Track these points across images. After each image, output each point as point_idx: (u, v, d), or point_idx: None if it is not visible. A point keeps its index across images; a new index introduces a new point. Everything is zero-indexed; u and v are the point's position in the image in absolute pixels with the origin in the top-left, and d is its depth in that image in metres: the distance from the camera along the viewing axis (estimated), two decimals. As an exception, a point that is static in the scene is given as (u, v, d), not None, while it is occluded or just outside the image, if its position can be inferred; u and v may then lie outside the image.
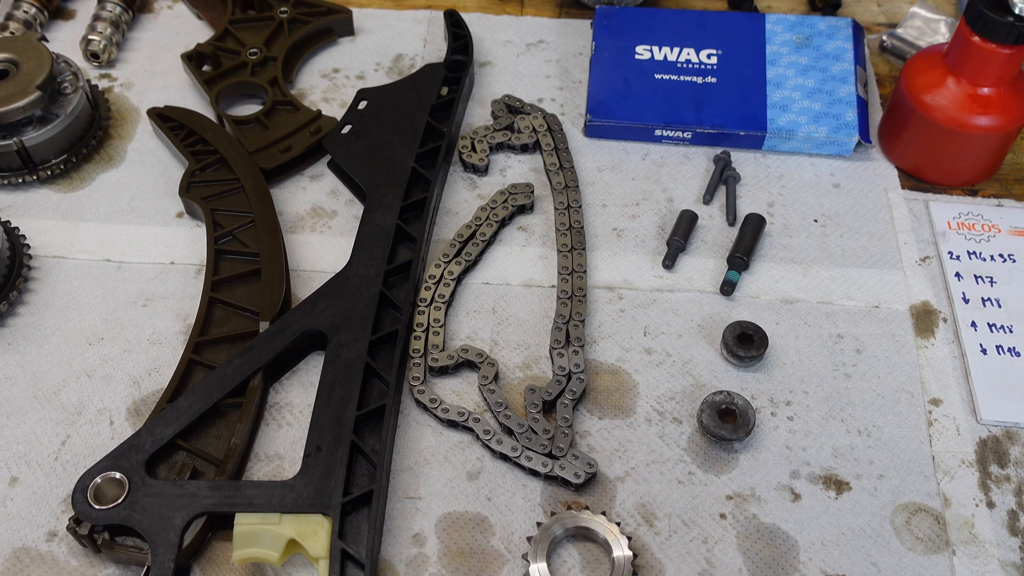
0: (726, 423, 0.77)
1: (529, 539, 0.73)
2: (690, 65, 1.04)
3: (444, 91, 1.03)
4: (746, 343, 0.82)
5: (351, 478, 0.74)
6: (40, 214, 0.97)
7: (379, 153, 0.96)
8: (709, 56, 1.04)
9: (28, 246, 0.92)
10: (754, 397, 0.81)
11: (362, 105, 1.02)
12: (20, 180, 0.98)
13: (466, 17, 1.13)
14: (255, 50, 1.08)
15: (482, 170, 0.99)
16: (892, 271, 0.90)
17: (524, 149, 1.01)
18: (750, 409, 0.78)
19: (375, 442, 0.76)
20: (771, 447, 0.78)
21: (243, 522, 0.71)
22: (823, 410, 0.80)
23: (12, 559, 0.73)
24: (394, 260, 0.88)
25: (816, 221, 0.95)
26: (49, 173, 0.99)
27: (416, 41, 1.14)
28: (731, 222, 0.93)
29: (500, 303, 0.89)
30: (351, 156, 0.97)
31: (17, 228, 0.93)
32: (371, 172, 0.95)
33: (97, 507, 0.72)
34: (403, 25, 1.16)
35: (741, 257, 0.89)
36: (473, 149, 1.00)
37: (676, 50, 1.05)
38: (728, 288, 0.87)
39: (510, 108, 1.05)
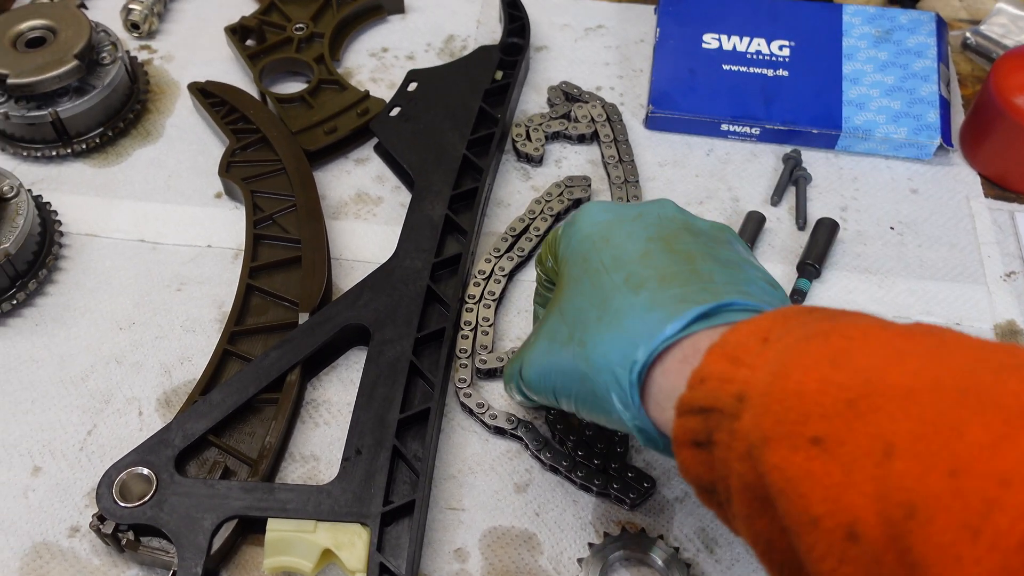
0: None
1: (580, 561, 0.68)
2: (760, 56, 0.98)
3: (499, 75, 0.98)
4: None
5: (391, 485, 0.69)
6: (73, 189, 0.93)
7: (429, 138, 0.91)
8: (781, 48, 0.98)
9: (59, 223, 0.88)
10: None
11: (412, 87, 0.97)
12: (54, 153, 0.94)
13: (522, -1, 1.07)
14: (301, 25, 1.03)
15: (537, 160, 0.94)
16: (975, 286, 0.84)
17: (581, 139, 0.96)
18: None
19: (418, 447, 0.71)
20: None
21: (276, 528, 0.67)
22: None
23: (32, 554, 0.70)
24: (442, 253, 0.83)
25: (892, 228, 0.88)
26: (84, 147, 0.94)
27: (469, 22, 1.08)
28: (801, 226, 0.88)
29: (553, 303, 0.83)
30: (399, 140, 0.92)
31: (49, 203, 0.89)
32: (420, 158, 0.90)
33: (123, 504, 0.68)
34: (456, 4, 1.10)
35: (813, 265, 0.83)
36: (528, 138, 0.95)
37: (746, 40, 0.99)
38: (798, 297, 0.82)
39: (567, 96, 0.99)
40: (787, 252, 0.86)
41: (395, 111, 0.94)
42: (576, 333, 0.57)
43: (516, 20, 1.03)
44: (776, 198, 0.90)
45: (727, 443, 0.46)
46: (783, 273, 0.85)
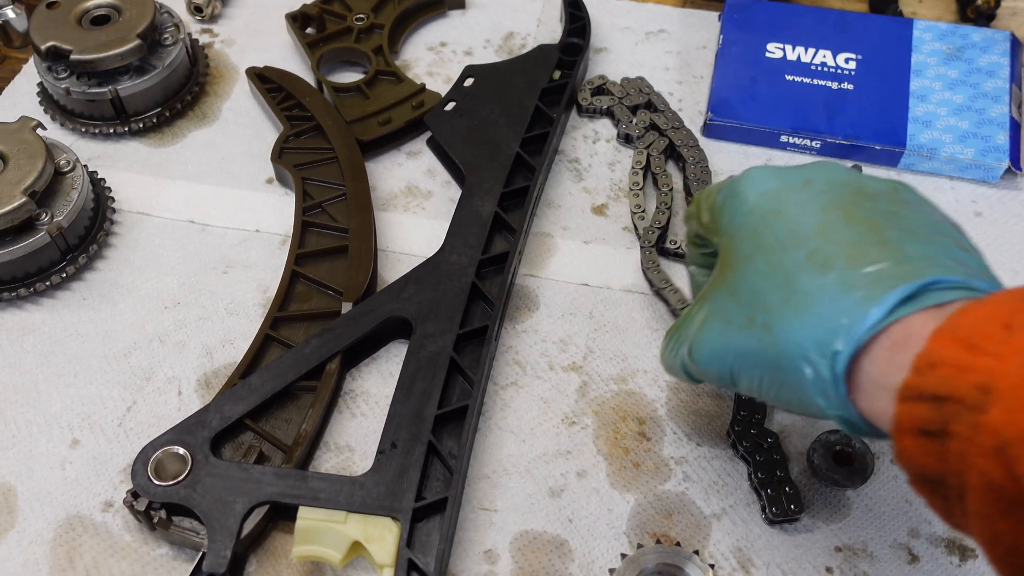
0: (840, 467, 0.70)
1: (611, 571, 0.66)
2: (825, 68, 0.95)
3: (557, 75, 0.97)
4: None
5: (425, 481, 0.68)
6: (128, 167, 0.93)
7: (482, 134, 0.90)
8: (847, 60, 0.96)
9: (112, 199, 0.89)
10: (873, 440, 0.73)
11: (468, 82, 0.96)
12: (111, 130, 0.95)
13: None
14: (362, 16, 1.03)
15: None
16: (1037, 315, 0.81)
17: (628, 139, 0.94)
18: (868, 453, 0.70)
19: (454, 445, 0.70)
20: (889, 499, 0.70)
21: (307, 516, 0.66)
22: (951, 463, 0.72)
23: (66, 526, 0.70)
24: (489, 250, 0.82)
25: (953, 251, 0.85)
26: (141, 126, 0.95)
27: (529, 20, 1.08)
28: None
29: (598, 308, 0.82)
30: (453, 135, 0.91)
31: (103, 180, 0.90)
32: (472, 154, 0.89)
33: (157, 483, 0.68)
34: (517, 2, 1.10)
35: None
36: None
37: (811, 51, 0.97)
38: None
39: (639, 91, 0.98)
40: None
41: (450, 105, 0.94)
42: (758, 316, 0.54)
43: (577, 20, 1.02)
44: (834, 214, 0.87)
45: (968, 437, 0.42)
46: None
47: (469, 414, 0.71)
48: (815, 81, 0.95)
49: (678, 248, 0.84)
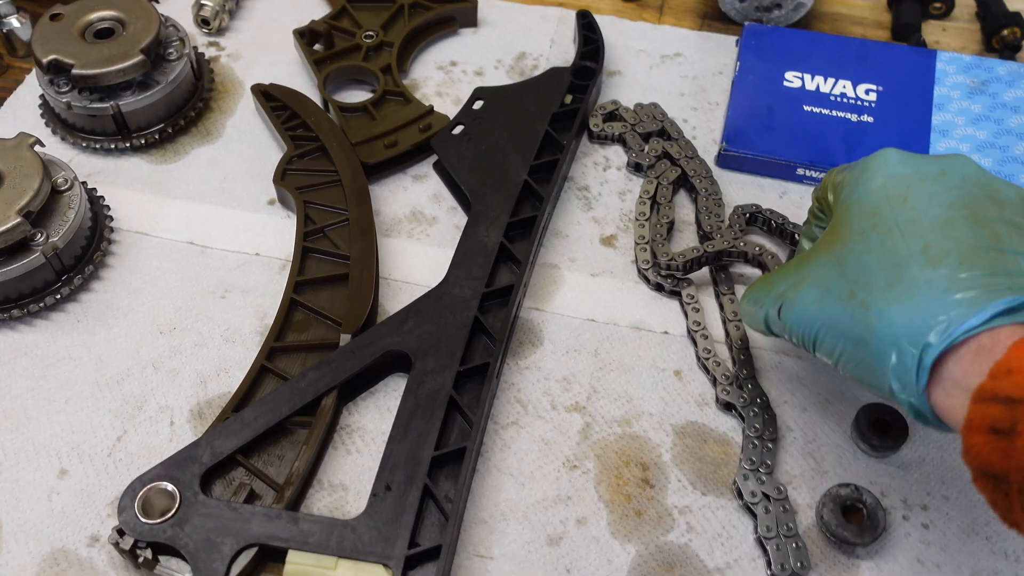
0: (851, 522, 0.67)
1: (610, 627, 0.64)
2: (845, 99, 0.93)
3: (568, 99, 0.94)
4: (882, 430, 0.71)
5: (419, 527, 0.66)
6: (129, 184, 0.91)
7: (490, 160, 0.88)
8: (868, 92, 0.93)
9: (111, 218, 0.87)
10: (884, 495, 0.70)
11: (478, 105, 0.94)
12: (113, 146, 0.93)
13: (599, 20, 1.03)
14: (371, 33, 1.00)
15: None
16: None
17: (638, 168, 0.92)
18: (880, 510, 0.67)
19: (450, 488, 0.68)
20: (900, 558, 0.68)
21: (296, 561, 0.64)
22: (965, 522, 0.69)
23: (49, 560, 0.68)
24: (494, 283, 0.80)
25: (973, 294, 0.83)
26: (143, 142, 0.93)
27: (542, 40, 1.05)
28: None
29: (604, 345, 0.80)
30: (460, 160, 0.89)
31: (102, 197, 0.88)
32: (479, 180, 0.87)
33: (143, 520, 0.66)
34: (530, 21, 1.07)
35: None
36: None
37: (831, 81, 0.94)
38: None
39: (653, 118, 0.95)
40: (857, 311, 0.81)
41: (458, 129, 0.92)
42: (859, 293, 0.56)
43: (591, 43, 1.00)
44: (850, 252, 0.85)
45: None
46: (851, 333, 0.80)
47: (467, 457, 0.69)
48: (834, 112, 0.92)
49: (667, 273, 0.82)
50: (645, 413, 0.75)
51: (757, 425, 0.72)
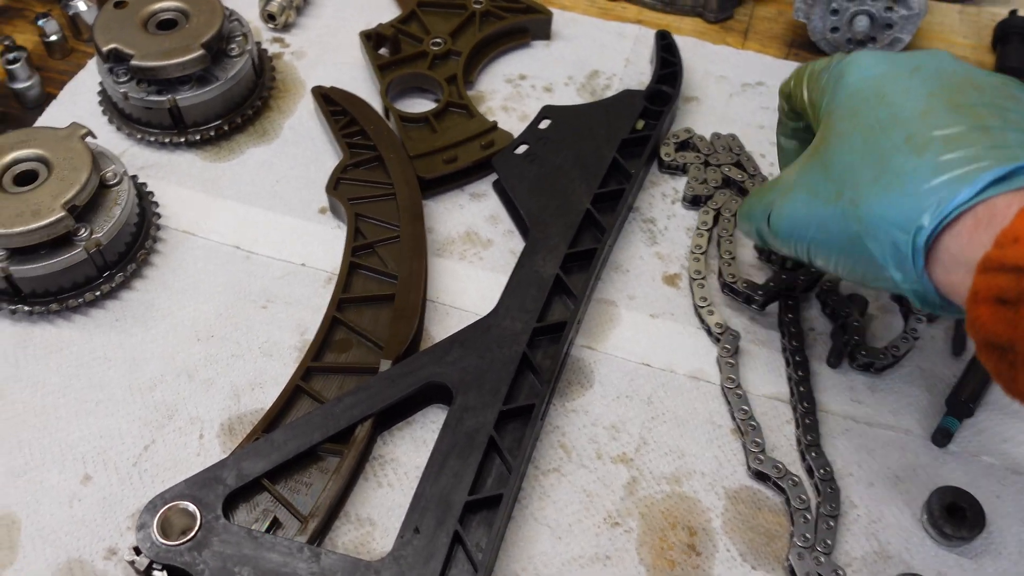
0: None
1: None
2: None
3: (640, 125, 0.90)
4: (957, 518, 0.66)
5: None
6: (181, 181, 0.89)
7: (553, 184, 0.84)
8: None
9: (159, 215, 0.85)
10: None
11: (544, 124, 0.90)
12: (168, 140, 0.91)
13: (679, 41, 0.98)
14: (439, 40, 0.97)
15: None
16: None
17: (695, 202, 0.87)
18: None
19: (482, 536, 0.64)
20: (966, 659, 0.62)
21: (314, 602, 0.61)
22: (1041, 626, 0.63)
23: (65, 570, 0.65)
24: (546, 317, 0.75)
25: (1064, 370, 0.76)
26: (198, 137, 0.91)
27: (617, 59, 1.00)
28: (957, 352, 0.76)
29: (658, 393, 0.75)
30: (520, 182, 0.85)
31: (152, 193, 0.86)
32: (540, 205, 0.82)
33: (161, 541, 0.63)
34: (606, 38, 1.03)
35: (967, 403, 0.72)
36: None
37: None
38: (943, 439, 0.71)
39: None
40: (935, 380, 0.75)
41: (521, 148, 0.87)
42: (847, 192, 0.56)
43: (669, 66, 0.95)
44: (931, 312, 0.79)
45: None
46: (928, 403, 0.74)
47: (503, 505, 0.65)
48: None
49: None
50: (697, 472, 0.70)
51: (805, 497, 0.67)
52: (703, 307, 0.78)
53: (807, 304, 0.79)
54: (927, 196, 0.51)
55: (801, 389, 0.73)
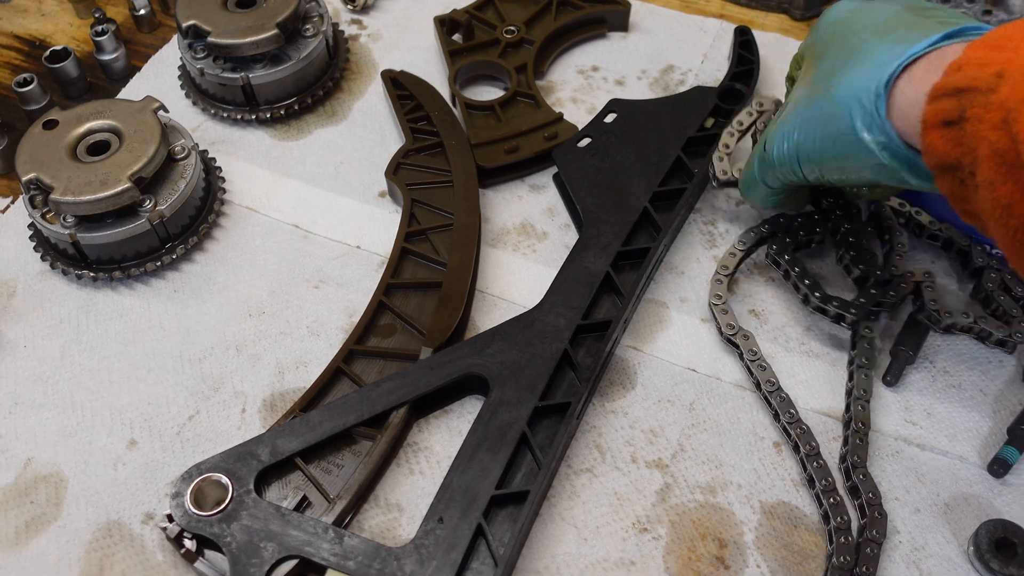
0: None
1: None
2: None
3: (709, 123, 0.87)
4: (1007, 554, 0.62)
5: (465, 568, 0.62)
6: (249, 157, 0.91)
7: (612, 180, 0.82)
8: None
9: (224, 190, 0.86)
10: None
11: (610, 118, 0.88)
12: (240, 116, 0.93)
13: (761, 37, 0.95)
14: (513, 28, 0.96)
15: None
16: None
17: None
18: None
19: (506, 532, 0.64)
20: None
21: (333, 582, 0.61)
22: None
23: (104, 531, 0.68)
24: (592, 315, 0.74)
25: None
26: (269, 116, 0.92)
27: (695, 54, 0.98)
28: (1027, 379, 0.72)
29: (701, 399, 0.73)
30: (580, 175, 0.83)
31: (220, 168, 0.88)
32: (596, 200, 0.81)
33: (193, 511, 0.64)
34: (685, 31, 1.00)
35: (1029, 434, 0.68)
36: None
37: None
38: (1001, 469, 0.67)
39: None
40: (1000, 407, 0.71)
41: (584, 142, 0.86)
42: (822, 85, 0.63)
43: (745, 63, 0.92)
44: (1003, 335, 0.75)
45: (980, 116, 0.51)
46: (990, 430, 0.70)
47: (528, 501, 0.64)
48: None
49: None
50: (733, 484, 0.68)
51: (847, 517, 0.64)
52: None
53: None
54: (885, 58, 0.58)
55: (859, 408, 0.69)
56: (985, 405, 0.71)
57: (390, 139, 0.91)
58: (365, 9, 1.04)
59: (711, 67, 0.96)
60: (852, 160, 0.61)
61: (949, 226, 0.79)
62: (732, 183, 0.80)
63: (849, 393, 0.72)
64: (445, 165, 0.85)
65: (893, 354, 0.73)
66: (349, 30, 1.02)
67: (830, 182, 0.67)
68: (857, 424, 0.69)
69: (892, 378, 0.72)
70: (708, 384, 0.74)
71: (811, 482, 0.67)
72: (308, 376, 0.75)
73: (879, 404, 0.72)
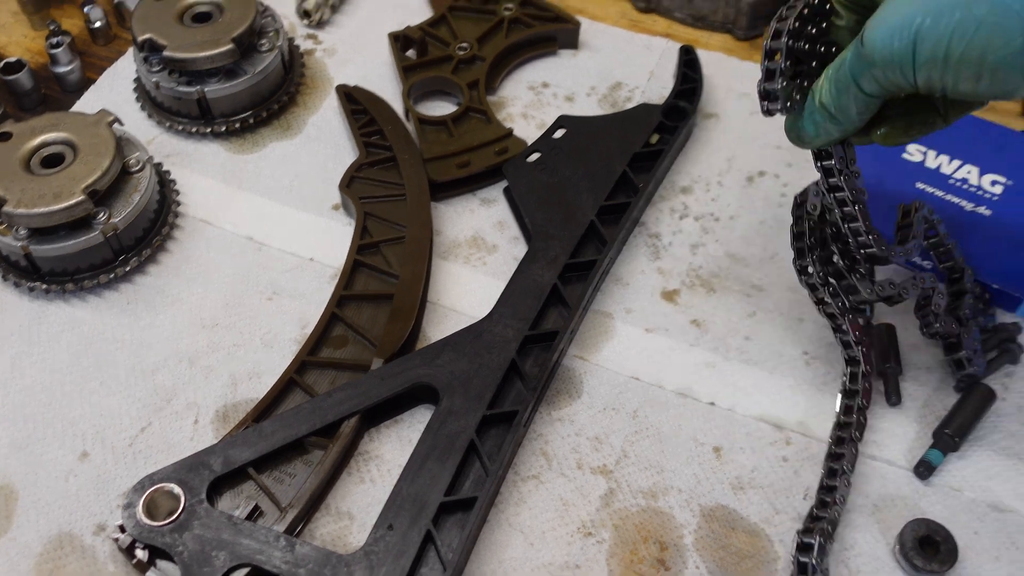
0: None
1: None
2: (965, 186, 0.84)
3: (654, 139, 0.90)
4: (929, 551, 0.65)
5: (414, 575, 0.64)
6: (204, 170, 0.92)
7: (560, 194, 0.85)
8: (993, 183, 0.85)
9: (179, 203, 0.87)
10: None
11: (559, 134, 0.90)
12: (194, 129, 0.94)
13: (706, 57, 0.98)
14: (465, 45, 0.98)
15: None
16: None
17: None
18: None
19: (455, 537, 0.65)
20: None
21: (284, 589, 0.63)
22: (1008, 670, 0.63)
23: (55, 543, 0.68)
24: (539, 326, 0.76)
25: (1064, 412, 0.75)
26: (224, 129, 0.94)
27: (641, 71, 1.01)
28: (957, 387, 0.75)
29: (644, 407, 0.75)
30: (529, 190, 0.86)
31: (174, 181, 0.89)
32: (545, 214, 0.83)
33: (144, 521, 0.65)
34: (633, 49, 1.03)
35: (952, 437, 0.71)
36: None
37: (956, 163, 0.86)
38: (925, 471, 0.70)
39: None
40: (928, 411, 0.75)
41: (533, 156, 0.88)
42: None
43: (689, 81, 0.95)
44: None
45: None
46: (915, 434, 0.73)
47: (476, 507, 0.66)
48: (948, 196, 0.84)
49: None
50: (674, 488, 0.71)
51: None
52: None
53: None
54: None
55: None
56: (913, 411, 0.74)
57: (344, 153, 0.93)
58: (320, 24, 1.06)
59: (657, 85, 0.99)
60: (1006, 47, 0.50)
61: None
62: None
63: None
64: (398, 179, 0.87)
65: (882, 373, 0.75)
66: (305, 45, 1.03)
67: (952, 90, 0.54)
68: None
69: (896, 397, 0.74)
70: (651, 392, 0.76)
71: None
72: (261, 387, 0.76)
73: (817, 412, 0.75)
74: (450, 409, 0.71)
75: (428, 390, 0.73)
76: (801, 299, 0.81)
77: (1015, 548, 0.68)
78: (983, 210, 0.83)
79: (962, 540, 0.66)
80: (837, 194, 0.66)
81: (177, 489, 0.67)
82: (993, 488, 0.70)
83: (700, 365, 0.78)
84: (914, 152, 0.88)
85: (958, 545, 0.66)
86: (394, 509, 0.66)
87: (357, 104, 0.93)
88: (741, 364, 0.78)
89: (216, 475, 0.68)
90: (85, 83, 1.00)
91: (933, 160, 0.87)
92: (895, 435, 0.73)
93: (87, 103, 0.97)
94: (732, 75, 1.00)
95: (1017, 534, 0.68)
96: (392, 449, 0.73)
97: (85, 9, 1.03)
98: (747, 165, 0.92)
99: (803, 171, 0.91)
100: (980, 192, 0.84)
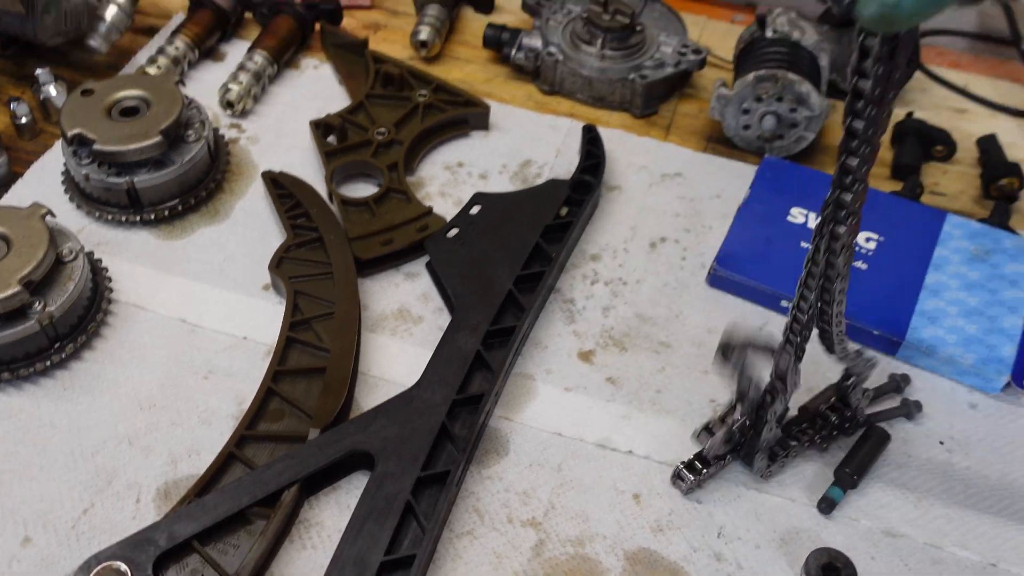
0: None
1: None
2: (839, 240, 0.94)
3: (564, 211, 0.97)
4: (831, 578, 0.71)
5: (358, 633, 0.67)
6: (134, 257, 0.95)
7: (479, 267, 0.91)
8: (868, 240, 0.94)
9: (111, 290, 0.90)
10: None
11: (475, 210, 0.97)
12: (124, 219, 0.97)
13: (606, 133, 1.07)
14: (383, 130, 1.04)
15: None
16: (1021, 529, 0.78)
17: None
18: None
19: (395, 596, 0.69)
20: None
21: (233, 656, 0.65)
22: None
23: (1, 627, 0.69)
24: (466, 390, 0.81)
25: (942, 444, 0.83)
26: (153, 217, 0.97)
27: (549, 149, 1.08)
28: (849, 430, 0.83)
29: (568, 461, 0.81)
30: (449, 263, 0.92)
31: (106, 268, 0.92)
32: (465, 286, 0.89)
33: (92, 600, 0.67)
34: (540, 130, 1.11)
35: (852, 475, 0.78)
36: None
37: (833, 223, 0.95)
38: (827, 507, 0.77)
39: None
40: (829, 452, 0.82)
41: (452, 232, 0.94)
42: None
43: (592, 157, 1.03)
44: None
45: None
46: (814, 473, 0.80)
47: (415, 566, 0.70)
48: (826, 251, 0.93)
49: None
50: (599, 535, 0.76)
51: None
52: None
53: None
54: None
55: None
56: (813, 453, 0.81)
57: (271, 235, 0.98)
58: (244, 114, 1.11)
59: (564, 160, 1.07)
60: None
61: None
62: None
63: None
64: (325, 258, 0.91)
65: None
66: (229, 134, 1.08)
67: None
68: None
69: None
70: (573, 446, 0.82)
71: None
72: (201, 464, 0.79)
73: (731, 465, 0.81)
74: (386, 473, 0.75)
75: (364, 456, 0.77)
76: (705, 353, 0.88)
77: (908, 570, 0.75)
78: (860, 264, 0.92)
79: (860, 565, 0.73)
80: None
81: (123, 567, 0.69)
82: (886, 516, 0.78)
83: (617, 418, 0.84)
84: (797, 215, 0.97)
85: (857, 570, 0.72)
86: (336, 572, 0.70)
87: (283, 188, 0.98)
88: (655, 414, 0.84)
89: (162, 550, 0.70)
90: (12, 177, 1.03)
91: (814, 221, 0.96)
92: (797, 475, 0.80)
93: (15, 196, 1.00)
94: (632, 150, 1.09)
95: (909, 556, 0.75)
96: (332, 515, 0.77)
97: (11, 105, 1.06)
98: (649, 232, 0.99)
99: (699, 236, 1.00)
100: (857, 248, 0.93)
